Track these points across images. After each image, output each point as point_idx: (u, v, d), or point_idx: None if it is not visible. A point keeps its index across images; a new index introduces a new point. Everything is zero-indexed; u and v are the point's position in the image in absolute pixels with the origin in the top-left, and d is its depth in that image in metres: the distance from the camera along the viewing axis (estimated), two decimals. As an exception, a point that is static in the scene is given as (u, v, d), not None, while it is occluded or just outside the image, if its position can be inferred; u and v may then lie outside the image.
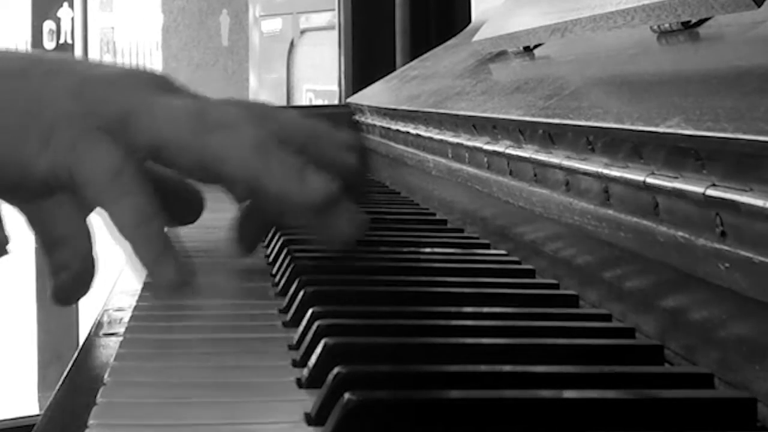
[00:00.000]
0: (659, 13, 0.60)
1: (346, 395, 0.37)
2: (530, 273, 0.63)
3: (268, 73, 4.87)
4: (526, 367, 0.42)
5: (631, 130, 0.49)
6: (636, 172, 0.48)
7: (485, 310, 0.53)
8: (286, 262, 0.62)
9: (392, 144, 1.05)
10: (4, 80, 0.54)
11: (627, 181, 0.49)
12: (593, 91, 0.64)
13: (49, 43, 3.06)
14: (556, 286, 0.59)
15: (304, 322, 0.50)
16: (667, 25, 0.60)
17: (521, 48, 0.88)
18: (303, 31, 4.58)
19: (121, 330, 0.52)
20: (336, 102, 1.85)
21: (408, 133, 0.96)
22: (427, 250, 0.71)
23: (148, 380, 0.44)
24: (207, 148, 0.53)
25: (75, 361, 0.50)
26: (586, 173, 0.54)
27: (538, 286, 0.60)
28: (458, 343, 0.47)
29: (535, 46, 0.86)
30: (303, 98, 4.48)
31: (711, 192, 0.41)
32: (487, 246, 0.73)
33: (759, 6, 0.51)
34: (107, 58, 5.22)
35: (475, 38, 1.02)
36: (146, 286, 0.60)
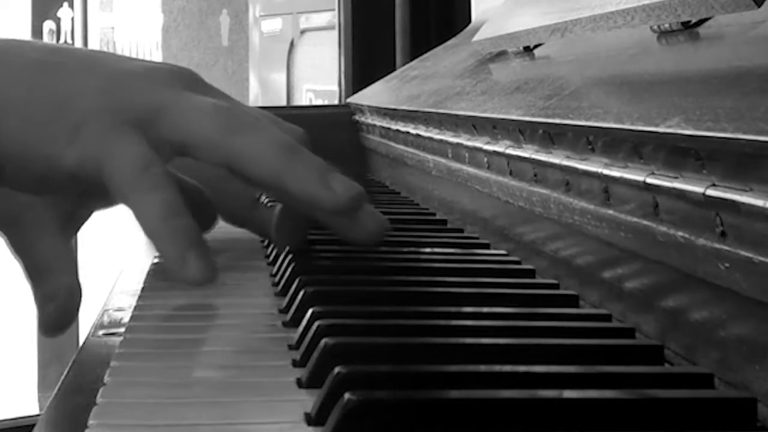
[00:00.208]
0: (659, 13, 0.60)
1: (346, 395, 0.37)
2: (530, 273, 0.63)
3: (268, 73, 4.88)
4: (526, 367, 0.42)
5: (631, 130, 0.49)
6: (636, 172, 0.48)
7: (485, 310, 0.53)
8: (286, 262, 0.62)
9: (392, 144, 1.05)
10: (35, 74, 0.54)
11: (627, 181, 0.49)
12: (593, 91, 0.64)
13: (49, 43, 3.07)
14: (556, 286, 0.59)
15: (304, 322, 0.50)
16: (667, 25, 0.60)
17: (521, 48, 0.88)
18: (303, 31, 4.59)
19: (121, 330, 0.53)
20: (336, 102, 1.85)
21: (408, 133, 0.96)
22: (427, 250, 0.71)
23: (148, 380, 0.44)
24: (233, 147, 0.53)
25: (75, 361, 0.50)
26: (586, 173, 0.54)
27: (538, 286, 0.60)
28: (458, 343, 0.47)
29: (535, 46, 0.86)
30: (303, 98, 4.48)
31: (711, 192, 0.41)
32: (487, 246, 0.73)
33: (759, 6, 0.51)
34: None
35: (475, 38, 1.02)
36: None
